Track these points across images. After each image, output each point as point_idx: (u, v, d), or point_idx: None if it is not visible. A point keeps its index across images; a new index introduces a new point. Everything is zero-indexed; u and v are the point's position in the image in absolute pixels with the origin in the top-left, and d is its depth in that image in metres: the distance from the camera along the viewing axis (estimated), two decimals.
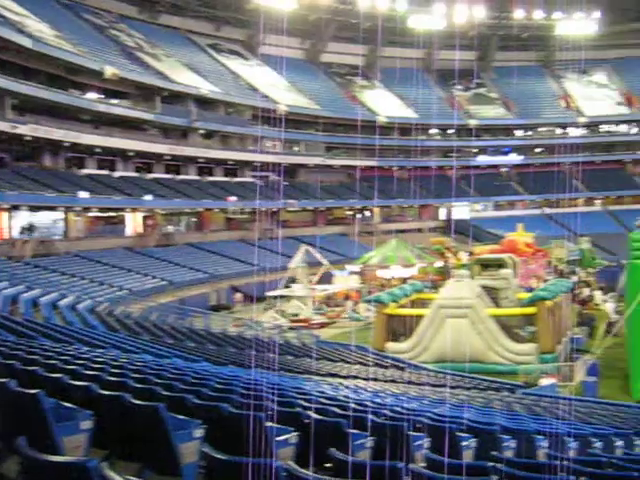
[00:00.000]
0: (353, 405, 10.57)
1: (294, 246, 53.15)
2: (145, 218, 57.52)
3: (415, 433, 8.31)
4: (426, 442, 8.33)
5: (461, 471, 6.57)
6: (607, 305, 39.23)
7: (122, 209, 56.02)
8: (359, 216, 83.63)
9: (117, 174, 58.69)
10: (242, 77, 77.85)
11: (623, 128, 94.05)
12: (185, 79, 66.40)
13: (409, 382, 21.35)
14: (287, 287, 47.61)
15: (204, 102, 66.99)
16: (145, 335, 22.79)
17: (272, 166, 75.76)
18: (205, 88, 66.96)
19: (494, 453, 7.96)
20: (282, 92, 79.18)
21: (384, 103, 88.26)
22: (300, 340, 32.88)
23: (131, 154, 60.02)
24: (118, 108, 57.43)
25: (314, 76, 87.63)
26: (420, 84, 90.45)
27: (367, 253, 57.16)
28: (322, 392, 12.62)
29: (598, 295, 44.54)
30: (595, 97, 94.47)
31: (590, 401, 22.84)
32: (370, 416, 9.04)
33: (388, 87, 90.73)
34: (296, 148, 79.47)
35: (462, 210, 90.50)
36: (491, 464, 6.66)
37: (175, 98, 63.44)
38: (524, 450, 9.54)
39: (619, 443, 11.64)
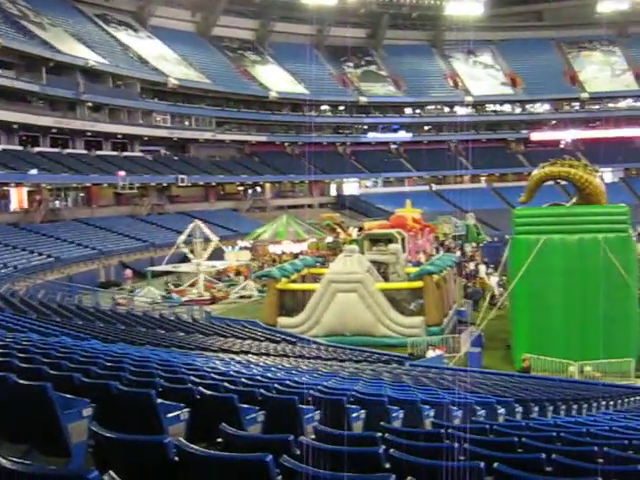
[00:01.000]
0: (244, 380, 10.64)
1: (185, 222, 52.61)
2: (31, 193, 55.69)
3: (306, 406, 8.44)
4: (317, 415, 8.47)
5: (351, 442, 6.73)
6: (491, 279, 40.48)
7: (6, 184, 53.91)
8: (250, 192, 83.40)
9: (0, 147, 56.48)
10: (132, 49, 75.91)
11: (507, 108, 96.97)
12: (72, 50, 64.17)
13: (300, 356, 21.55)
14: (185, 262, 47.37)
15: (92, 74, 64.96)
16: (32, 313, 22.16)
17: (162, 140, 74.78)
18: (93, 59, 64.91)
19: (383, 423, 8.17)
20: (172, 65, 77.78)
21: (276, 78, 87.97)
22: (191, 316, 32.67)
23: (15, 127, 57.78)
24: (1, 79, 55.12)
25: (205, 50, 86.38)
26: (311, 60, 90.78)
27: (258, 229, 57.14)
28: (213, 368, 12.62)
29: (483, 269, 45.93)
30: (481, 77, 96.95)
31: (475, 371, 23.64)
32: (261, 390, 9.13)
33: (280, 63, 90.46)
34: (187, 122, 78.30)
35: (352, 186, 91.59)
36: (379, 434, 6.85)
37: (62, 69, 61.28)
38: (412, 420, 9.82)
39: (501, 411, 12.10)
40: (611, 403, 16.99)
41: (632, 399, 19.11)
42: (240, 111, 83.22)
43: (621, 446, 7.94)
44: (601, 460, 7.00)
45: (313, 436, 7.22)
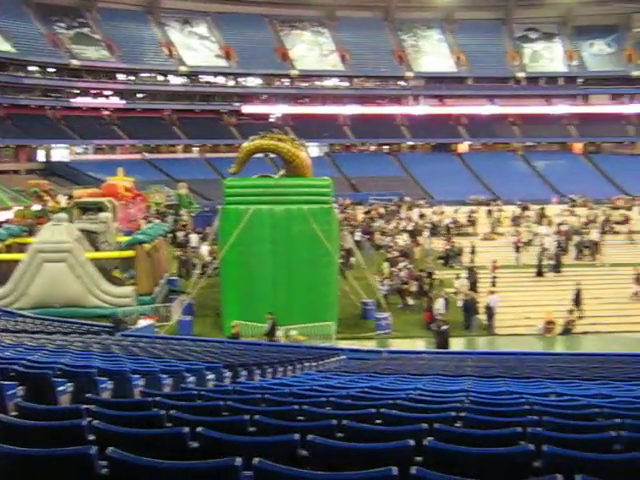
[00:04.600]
0: None
1: None
2: None
3: (7, 382, 8.16)
4: (19, 390, 8.23)
5: (55, 416, 6.63)
6: (202, 248, 41.09)
7: None
8: None
9: None
10: None
11: (221, 80, 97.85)
12: None
13: (4, 330, 20.55)
14: None
15: None
16: None
17: None
18: None
19: (89, 395, 8.11)
20: None
21: None
22: None
23: None
24: None
25: None
26: (19, 17, 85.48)
27: None
28: None
29: (194, 238, 46.44)
30: (196, 48, 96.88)
31: (185, 339, 24.03)
32: None
33: None
34: None
35: (62, 152, 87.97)
36: (85, 406, 6.81)
37: None
38: (121, 390, 9.83)
39: (211, 376, 12.44)
40: (314, 364, 18.07)
41: (332, 359, 20.50)
42: None
43: (319, 403, 8.53)
44: (301, 417, 7.49)
45: (16, 413, 7.02)
